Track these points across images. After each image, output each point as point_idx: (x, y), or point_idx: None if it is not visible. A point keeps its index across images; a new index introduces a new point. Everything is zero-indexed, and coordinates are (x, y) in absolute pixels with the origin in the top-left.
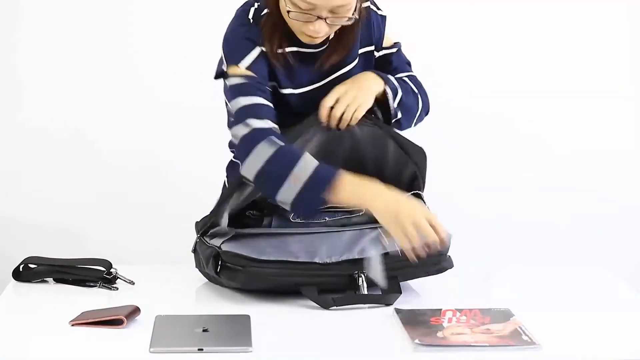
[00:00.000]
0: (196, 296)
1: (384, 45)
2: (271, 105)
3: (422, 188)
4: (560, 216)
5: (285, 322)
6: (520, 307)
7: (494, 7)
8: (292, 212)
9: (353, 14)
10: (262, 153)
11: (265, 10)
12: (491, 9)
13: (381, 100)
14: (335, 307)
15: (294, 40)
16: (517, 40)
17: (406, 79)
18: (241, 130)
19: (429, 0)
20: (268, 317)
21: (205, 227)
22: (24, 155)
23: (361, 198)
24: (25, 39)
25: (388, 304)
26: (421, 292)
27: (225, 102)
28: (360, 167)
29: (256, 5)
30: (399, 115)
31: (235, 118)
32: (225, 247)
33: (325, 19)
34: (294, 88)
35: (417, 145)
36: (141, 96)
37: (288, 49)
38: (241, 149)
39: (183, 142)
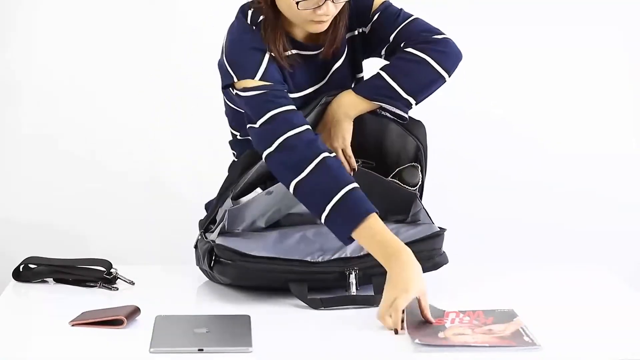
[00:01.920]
0: (196, 296)
1: (372, 12)
2: (296, 108)
3: (423, 161)
4: (560, 216)
5: (286, 322)
6: (521, 307)
7: (494, 7)
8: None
9: None
10: (304, 163)
11: (262, 17)
12: (491, 9)
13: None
14: (324, 308)
15: (294, 43)
16: (516, 39)
17: (410, 50)
18: (273, 146)
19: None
20: (268, 317)
21: (207, 223)
22: (24, 156)
23: (383, 254)
24: (26, 41)
25: (378, 306)
26: None
27: (237, 112)
28: (361, 141)
29: (251, 11)
30: (419, 99)
31: (266, 133)
32: (219, 241)
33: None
34: (296, 92)
35: (415, 119)
36: (141, 96)
37: (292, 52)
38: (283, 157)
39: (183, 142)
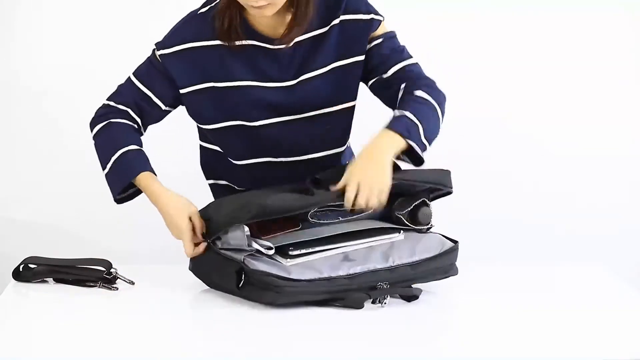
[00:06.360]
0: (196, 296)
1: (375, 36)
2: (148, 93)
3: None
4: (560, 216)
5: (284, 321)
6: (521, 307)
7: (495, 8)
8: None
9: None
10: (99, 127)
11: (217, 1)
12: (492, 10)
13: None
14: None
15: (250, 32)
16: (516, 39)
17: (419, 93)
18: (102, 104)
19: (429, 2)
20: (266, 317)
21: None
22: (25, 156)
23: (154, 199)
24: (27, 41)
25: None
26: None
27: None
28: None
29: None
30: (431, 144)
31: (113, 92)
32: (252, 266)
33: None
34: (260, 81)
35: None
36: None
37: (247, 42)
38: (92, 118)
39: (183, 142)
